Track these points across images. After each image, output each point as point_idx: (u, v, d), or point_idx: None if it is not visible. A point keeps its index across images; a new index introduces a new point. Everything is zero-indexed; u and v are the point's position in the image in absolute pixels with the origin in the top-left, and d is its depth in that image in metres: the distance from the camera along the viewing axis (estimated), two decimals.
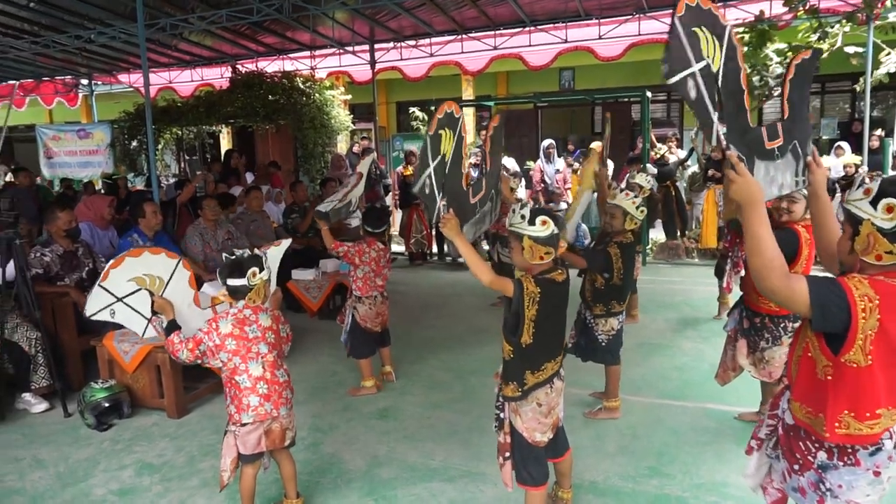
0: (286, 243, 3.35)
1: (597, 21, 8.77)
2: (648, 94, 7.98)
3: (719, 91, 1.93)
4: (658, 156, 8.67)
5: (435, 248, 9.45)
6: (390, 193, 9.48)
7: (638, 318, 5.78)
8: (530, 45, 9.36)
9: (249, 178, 9.25)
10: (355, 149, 10.67)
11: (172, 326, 2.70)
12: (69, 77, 12.48)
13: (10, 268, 4.03)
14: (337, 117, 9.79)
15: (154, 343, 4.02)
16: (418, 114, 10.46)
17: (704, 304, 6.29)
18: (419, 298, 6.94)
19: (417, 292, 7.25)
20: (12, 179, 9.05)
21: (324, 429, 3.76)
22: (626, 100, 11.56)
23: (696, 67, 1.85)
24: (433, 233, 9.44)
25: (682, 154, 8.98)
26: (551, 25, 8.90)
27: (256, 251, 2.73)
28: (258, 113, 9.05)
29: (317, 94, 9.43)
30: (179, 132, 11.03)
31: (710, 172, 8.04)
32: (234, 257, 2.64)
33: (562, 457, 2.71)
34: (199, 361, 2.61)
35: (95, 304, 3.13)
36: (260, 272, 2.62)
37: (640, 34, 8.69)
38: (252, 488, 2.72)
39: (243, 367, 2.58)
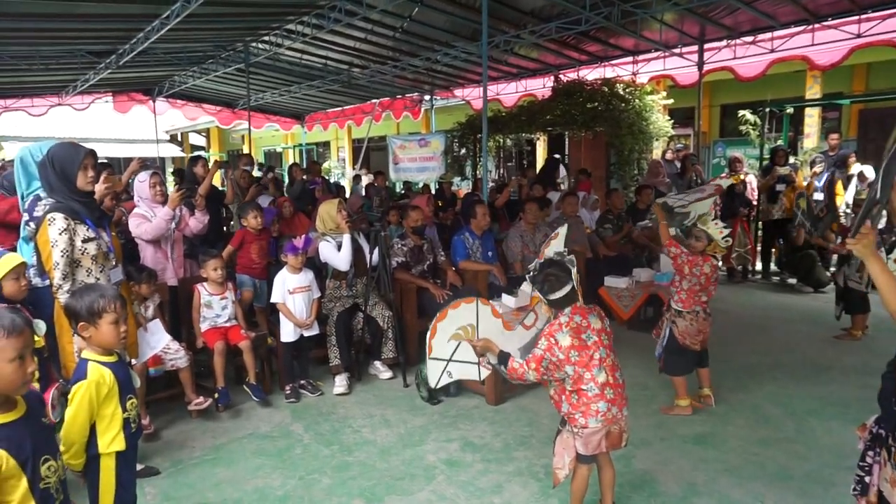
0: (563, 230, 3.20)
1: None
2: None
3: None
4: None
5: (759, 265, 8.47)
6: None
7: None
8: None
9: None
10: (668, 155, 10.16)
11: (504, 356, 2.76)
12: (416, 94, 14.48)
13: (375, 255, 4.81)
14: (656, 123, 9.44)
15: None
16: (749, 117, 9.47)
17: None
18: (740, 319, 6.29)
19: (739, 312, 6.58)
20: (373, 181, 10.86)
21: (635, 443, 3.63)
22: None
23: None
24: (758, 248, 8.49)
25: None
26: None
27: (554, 257, 2.73)
28: (576, 120, 9.21)
29: (636, 100, 9.24)
30: (501, 140, 11.91)
31: None
32: (546, 271, 2.63)
33: None
34: (544, 378, 2.65)
35: (434, 375, 3.24)
36: (574, 269, 2.63)
37: None
38: (585, 489, 2.76)
39: (588, 376, 2.59)
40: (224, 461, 3.61)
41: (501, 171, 14.62)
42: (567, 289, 2.61)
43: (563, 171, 10.76)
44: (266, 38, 9.53)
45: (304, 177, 8.90)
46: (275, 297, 4.50)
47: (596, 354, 2.61)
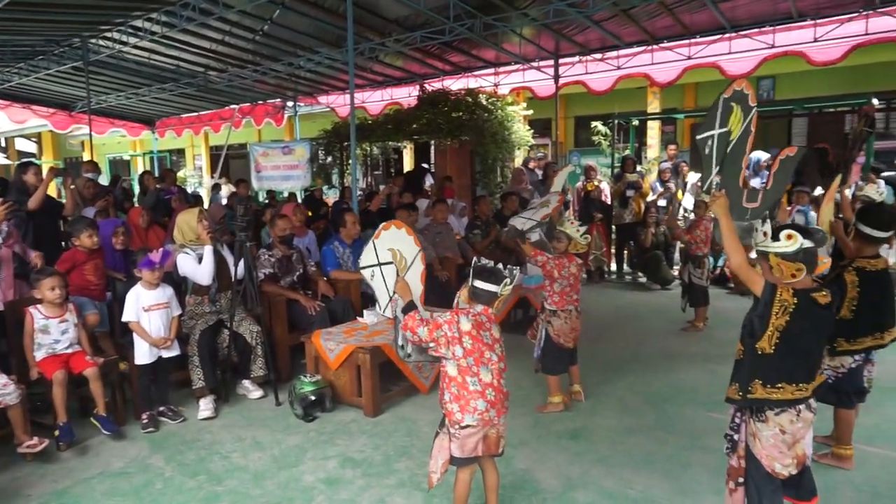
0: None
1: (812, 22, 7.89)
2: (875, 101, 7.00)
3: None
4: None
5: (614, 266, 9.11)
6: (570, 209, 9.30)
7: None
8: (730, 53, 8.68)
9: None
10: (530, 164, 10.64)
11: (411, 306, 2.82)
12: (278, 100, 13.98)
13: (240, 267, 4.52)
14: (517, 132, 9.85)
15: (356, 344, 4.28)
16: (601, 128, 10.18)
17: None
18: (599, 317, 6.69)
19: (598, 311, 6.99)
20: (235, 191, 10.29)
21: (514, 443, 3.70)
22: (831, 109, 10.28)
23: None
24: (612, 250, 9.11)
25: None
26: (756, 30, 8.18)
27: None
28: (442, 129, 9.35)
29: (499, 111, 9.58)
30: (368, 148, 11.80)
31: None
32: (487, 264, 2.73)
33: (808, 502, 2.42)
34: (430, 344, 2.66)
35: (365, 259, 3.40)
36: (509, 284, 2.68)
37: (867, 33, 7.66)
38: (467, 494, 2.73)
39: (475, 370, 2.61)
40: None
41: (369, 180, 14.51)
42: (491, 288, 2.66)
43: (430, 179, 10.89)
44: (108, 34, 8.71)
45: (158, 186, 8.23)
46: (127, 316, 4.05)
47: (487, 354, 2.64)
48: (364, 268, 3.48)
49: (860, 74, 9.65)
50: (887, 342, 3.29)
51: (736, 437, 2.44)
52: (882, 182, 7.18)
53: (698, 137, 2.62)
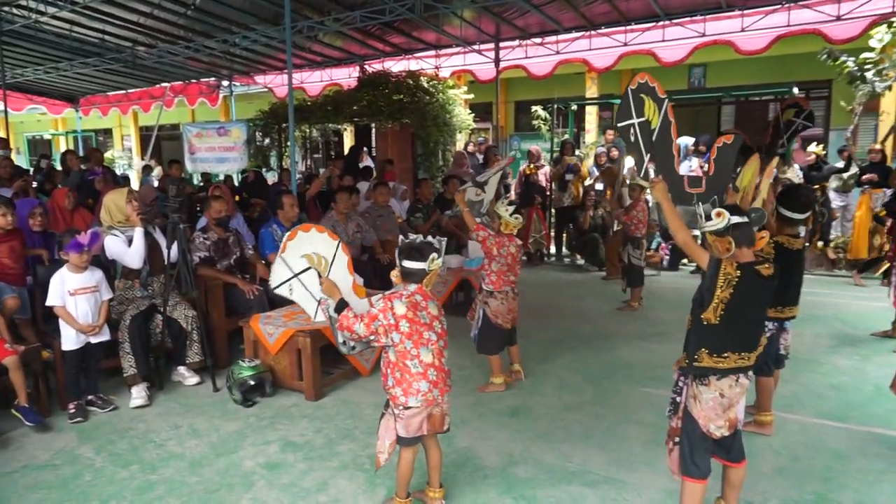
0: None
1: (740, 13, 8.21)
2: (796, 90, 7.37)
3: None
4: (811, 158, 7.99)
5: (553, 249, 9.29)
6: (511, 192, 9.41)
7: None
8: (664, 41, 8.93)
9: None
10: (469, 148, 10.69)
11: (343, 304, 2.75)
12: (213, 79, 13.45)
13: (174, 250, 4.35)
14: (458, 116, 9.85)
15: (296, 328, 4.21)
16: (541, 112, 10.30)
17: (860, 319, 5.72)
18: (539, 298, 6.82)
19: (537, 292, 7.13)
20: (168, 171, 9.88)
21: (456, 422, 3.72)
22: (757, 98, 10.77)
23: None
24: (551, 233, 9.28)
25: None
26: (688, 19, 8.44)
27: (430, 239, 2.75)
28: (383, 111, 9.25)
29: (440, 94, 9.54)
30: (307, 130, 11.56)
31: (867, 176, 7.31)
32: (413, 240, 2.69)
33: (737, 463, 2.59)
34: (371, 338, 2.64)
35: (277, 277, 3.29)
36: (438, 258, 2.66)
37: (789, 25, 8.03)
38: (410, 473, 2.75)
39: (415, 352, 2.61)
40: None
41: (308, 163, 14.22)
42: (419, 265, 2.64)
43: (370, 162, 10.78)
44: (23, 2, 8.14)
45: (82, 166, 7.81)
46: (51, 300, 3.84)
47: (426, 334, 2.64)
48: (277, 287, 3.40)
49: (782, 64, 10.12)
50: (786, 316, 3.50)
51: (678, 399, 2.56)
52: (797, 166, 7.62)
53: (619, 125, 2.84)
